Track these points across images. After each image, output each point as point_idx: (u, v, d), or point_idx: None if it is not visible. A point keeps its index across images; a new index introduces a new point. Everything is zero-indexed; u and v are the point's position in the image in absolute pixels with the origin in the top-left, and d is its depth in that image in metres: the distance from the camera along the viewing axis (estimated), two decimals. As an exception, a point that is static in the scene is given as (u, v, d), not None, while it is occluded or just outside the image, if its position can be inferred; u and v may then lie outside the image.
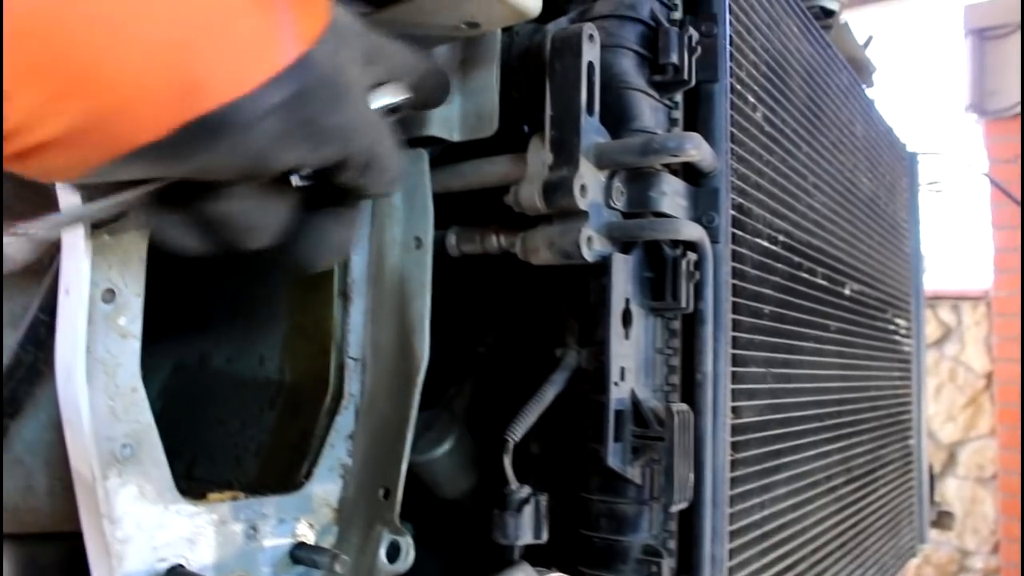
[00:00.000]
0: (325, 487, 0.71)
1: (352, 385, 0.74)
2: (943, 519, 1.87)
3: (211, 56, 0.41)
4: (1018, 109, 3.71)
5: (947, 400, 4.07)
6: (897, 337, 1.53)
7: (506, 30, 0.81)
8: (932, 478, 1.82)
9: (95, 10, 0.38)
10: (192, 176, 0.46)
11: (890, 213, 1.51)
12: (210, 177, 0.46)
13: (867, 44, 1.69)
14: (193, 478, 0.78)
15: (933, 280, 4.15)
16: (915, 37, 4.67)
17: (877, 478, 1.36)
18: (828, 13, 1.36)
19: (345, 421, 0.73)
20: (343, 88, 0.47)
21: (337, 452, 0.72)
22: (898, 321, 1.53)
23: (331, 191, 0.53)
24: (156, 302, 0.61)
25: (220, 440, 0.79)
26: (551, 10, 0.86)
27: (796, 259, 1.00)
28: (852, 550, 1.21)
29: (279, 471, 0.72)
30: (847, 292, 1.21)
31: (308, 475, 0.70)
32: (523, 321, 0.90)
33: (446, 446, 0.88)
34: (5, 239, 0.44)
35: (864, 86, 1.68)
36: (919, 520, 1.65)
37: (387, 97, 0.57)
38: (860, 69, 1.64)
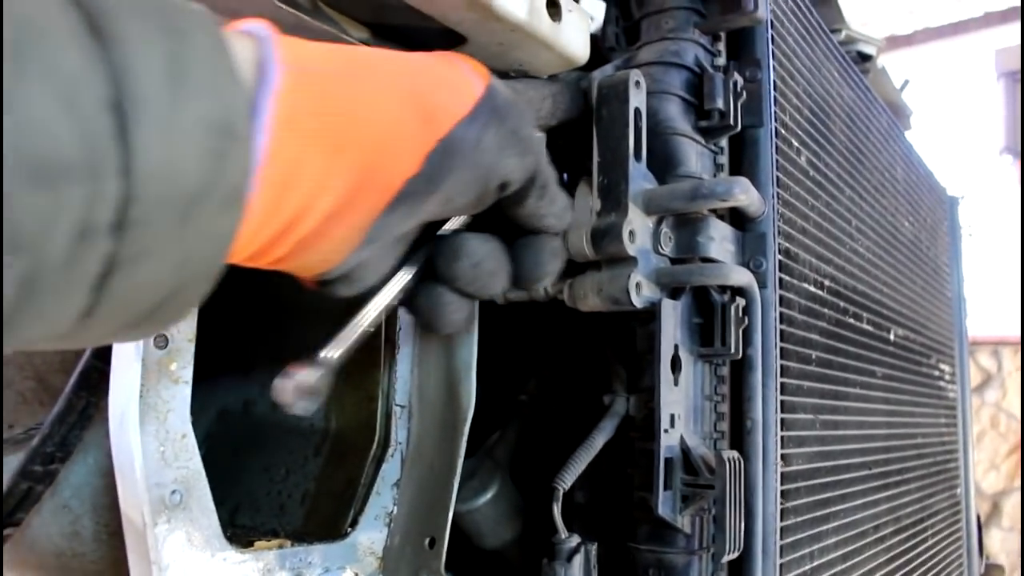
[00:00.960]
0: (370, 535, 0.70)
1: (399, 433, 0.74)
2: (992, 572, 1.83)
3: (433, 94, 0.48)
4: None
5: (989, 448, 3.99)
6: (942, 383, 1.50)
7: (552, 77, 0.81)
8: (980, 529, 1.78)
9: (344, 69, 0.44)
10: (439, 213, 0.51)
11: (932, 257, 1.49)
12: (454, 206, 0.52)
13: (903, 88, 1.68)
14: (237, 525, 0.77)
15: (972, 325, 4.09)
16: (948, 81, 4.66)
17: (925, 528, 1.33)
18: (865, 58, 1.36)
19: (391, 469, 0.73)
20: (523, 107, 0.57)
21: (383, 500, 0.72)
22: (942, 367, 1.51)
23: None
24: (202, 347, 0.61)
25: (264, 487, 0.79)
26: (595, 58, 0.87)
27: (842, 304, 0.99)
28: (901, 602, 1.18)
29: (324, 519, 0.72)
30: (892, 337, 1.20)
31: (354, 523, 0.70)
32: (568, 368, 0.89)
33: (489, 494, 0.87)
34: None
35: (903, 129, 1.68)
36: (968, 573, 1.61)
37: None
38: (898, 113, 1.64)
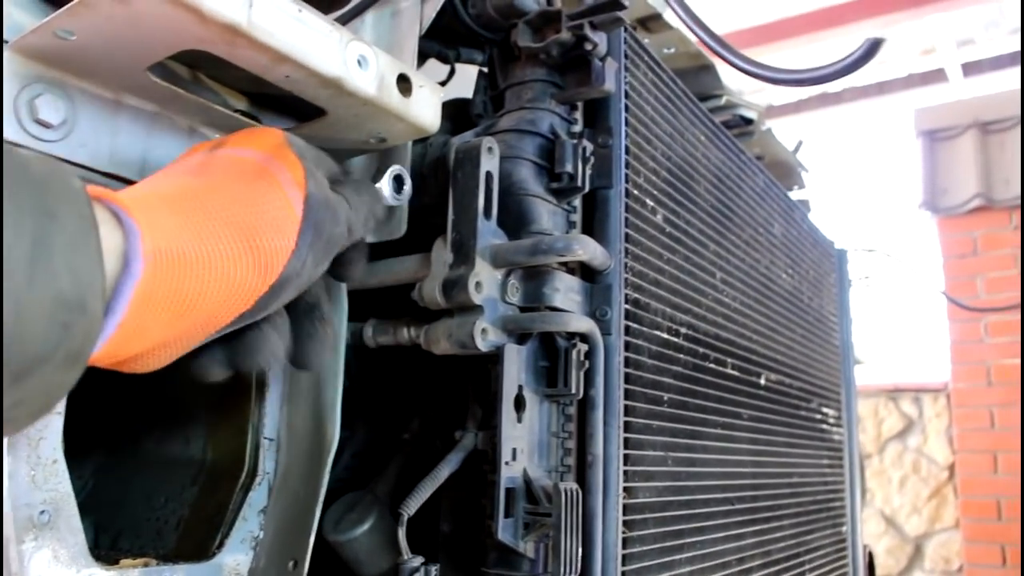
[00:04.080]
0: (236, 557, 0.76)
1: (267, 463, 0.80)
2: (884, 607, 1.91)
3: (266, 237, 0.56)
4: (969, 207, 3.86)
5: (912, 492, 4.11)
6: (825, 426, 1.59)
7: (420, 142, 0.89)
8: (872, 566, 1.86)
9: (193, 241, 0.52)
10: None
11: (815, 307, 1.59)
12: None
13: (797, 149, 1.79)
14: (118, 549, 0.83)
15: (894, 373, 4.24)
16: (870, 139, 4.86)
17: (803, 563, 1.41)
18: (748, 121, 1.46)
19: (258, 496, 0.79)
20: (335, 202, 0.62)
21: (249, 525, 0.78)
22: (825, 410, 1.60)
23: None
24: (95, 386, 0.68)
25: (146, 514, 0.85)
26: (464, 125, 0.95)
27: (701, 350, 1.07)
28: (773, 633, 1.25)
29: (195, 543, 0.78)
30: (763, 381, 1.28)
31: (220, 546, 0.76)
32: (439, 408, 0.96)
33: (366, 526, 0.93)
34: None
35: (795, 187, 1.79)
36: (855, 607, 1.69)
37: None
38: (788, 172, 1.75)
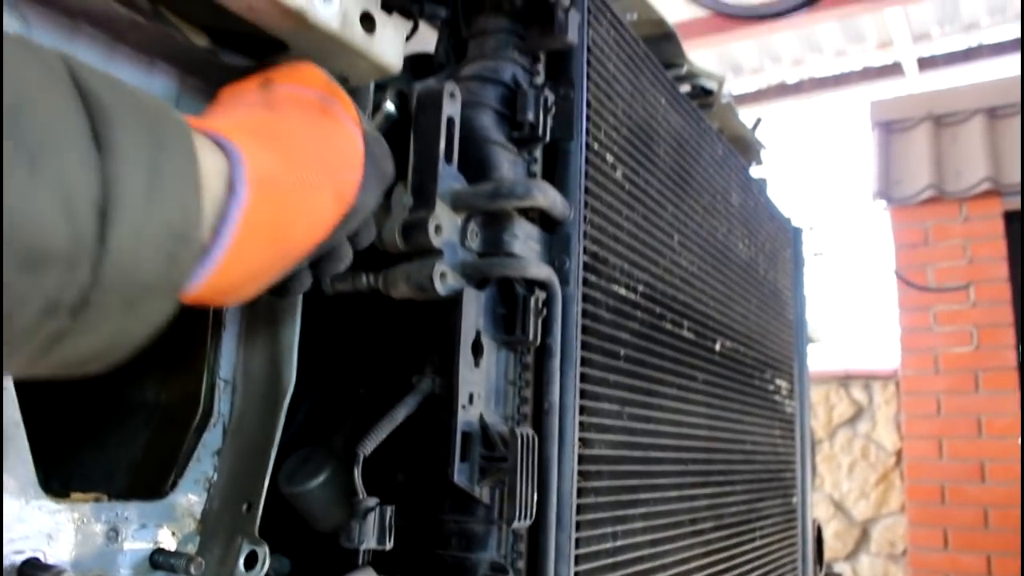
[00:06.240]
0: (189, 498, 0.76)
1: (222, 405, 0.79)
2: (832, 580, 1.95)
3: (342, 172, 0.59)
4: (921, 197, 3.93)
5: (860, 477, 4.18)
6: (777, 397, 1.62)
7: (381, 89, 0.89)
8: (820, 539, 1.89)
9: (291, 174, 0.54)
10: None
11: (771, 280, 1.61)
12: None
13: (756, 126, 1.81)
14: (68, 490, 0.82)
15: (846, 360, 4.31)
16: (829, 129, 4.92)
17: (753, 529, 1.43)
18: (707, 92, 1.47)
19: (213, 438, 0.78)
20: (381, 138, 0.66)
21: (203, 467, 0.77)
22: (778, 382, 1.62)
23: None
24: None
25: (98, 459, 0.83)
26: (428, 72, 0.95)
27: (658, 310, 1.08)
28: (723, 594, 1.27)
29: (147, 484, 0.77)
30: (718, 348, 1.30)
31: (173, 486, 0.75)
32: (397, 359, 0.96)
33: (321, 478, 0.93)
34: None
35: (752, 163, 1.81)
36: (802, 576, 1.72)
37: None
38: (746, 147, 1.77)
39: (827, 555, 4.01)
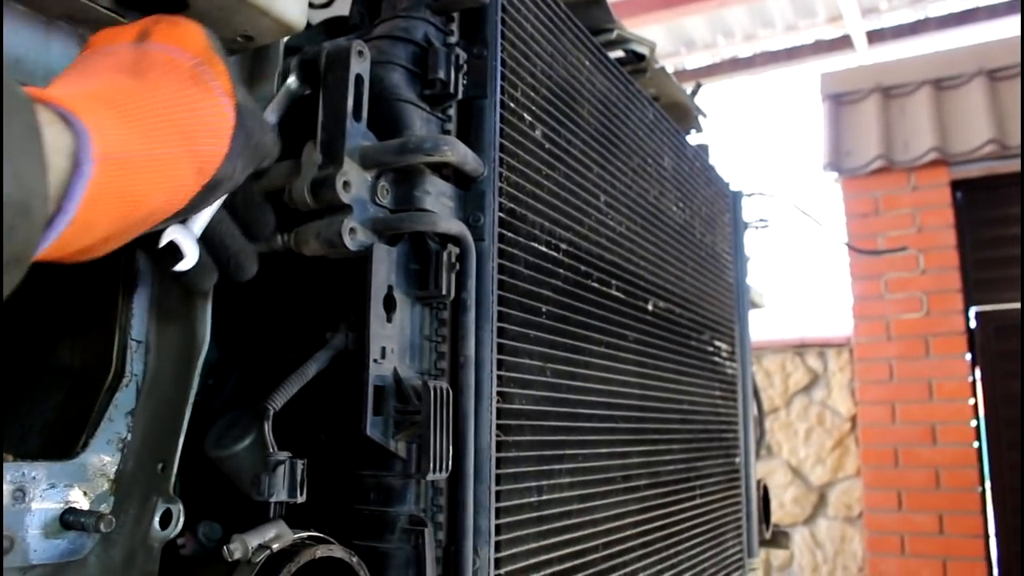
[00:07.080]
0: (102, 458, 0.76)
1: (135, 365, 0.79)
2: (778, 539, 1.98)
3: (201, 148, 0.59)
4: (871, 168, 3.98)
5: (816, 443, 4.24)
6: (717, 359, 1.64)
7: (291, 53, 0.89)
8: (767, 499, 1.92)
9: (139, 144, 0.55)
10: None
11: (708, 243, 1.63)
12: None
13: (695, 92, 1.82)
14: (-21, 458, 0.81)
15: (800, 328, 4.36)
16: (783, 100, 4.95)
17: (693, 487, 1.45)
18: (640, 57, 1.48)
19: (125, 398, 0.78)
20: (258, 110, 0.66)
21: (116, 427, 0.77)
22: (717, 343, 1.64)
23: None
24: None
25: (10, 423, 0.83)
26: (341, 32, 0.95)
27: (584, 268, 1.09)
28: (661, 551, 1.29)
29: (59, 445, 0.77)
30: (650, 308, 1.31)
31: (85, 446, 0.75)
32: (317, 318, 0.96)
33: (247, 441, 0.93)
34: None
35: (692, 130, 1.82)
36: (747, 535, 1.75)
37: None
38: (684, 113, 1.78)
39: (786, 520, 4.07)
